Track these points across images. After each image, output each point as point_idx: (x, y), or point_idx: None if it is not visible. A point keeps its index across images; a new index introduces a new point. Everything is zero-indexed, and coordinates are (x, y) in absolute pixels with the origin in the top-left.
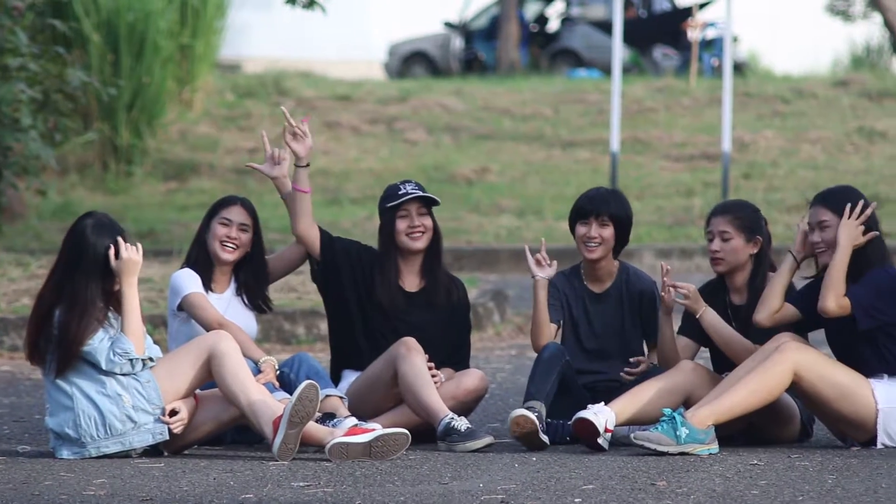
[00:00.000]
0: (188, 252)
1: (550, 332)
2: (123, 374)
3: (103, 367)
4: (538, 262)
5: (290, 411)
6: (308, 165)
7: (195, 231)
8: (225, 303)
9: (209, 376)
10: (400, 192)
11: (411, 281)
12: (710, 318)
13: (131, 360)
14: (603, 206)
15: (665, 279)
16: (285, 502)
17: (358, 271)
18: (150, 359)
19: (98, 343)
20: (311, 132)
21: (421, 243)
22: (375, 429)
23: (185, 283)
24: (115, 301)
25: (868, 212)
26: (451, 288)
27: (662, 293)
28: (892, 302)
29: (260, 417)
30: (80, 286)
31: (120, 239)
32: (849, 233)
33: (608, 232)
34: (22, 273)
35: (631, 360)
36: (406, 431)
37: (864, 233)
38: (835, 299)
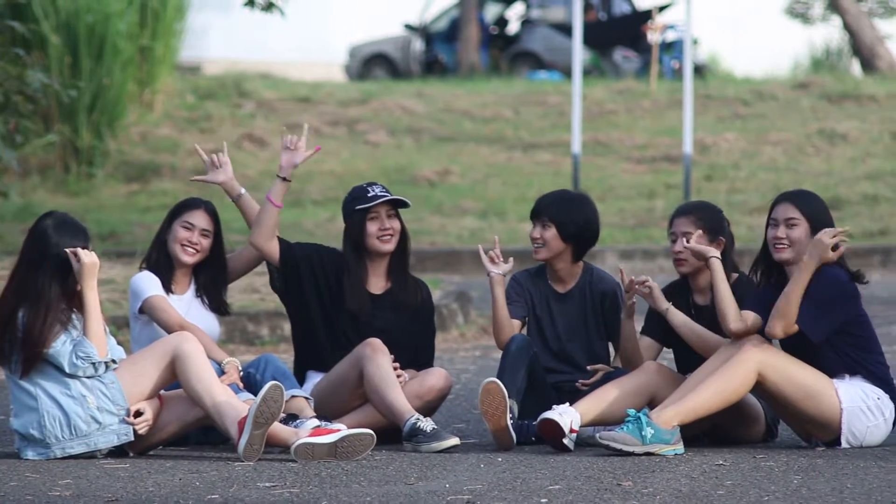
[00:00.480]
0: (147, 253)
1: (513, 329)
2: (87, 377)
3: (67, 370)
4: (491, 260)
5: (255, 412)
6: (287, 180)
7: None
8: (186, 304)
9: (173, 377)
10: (369, 195)
11: (376, 283)
12: (677, 316)
13: (94, 363)
14: (544, 208)
15: (631, 279)
16: (251, 503)
17: (320, 276)
18: (113, 360)
19: (61, 346)
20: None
21: (390, 246)
22: (340, 429)
23: (145, 287)
24: (77, 302)
25: (843, 232)
26: (416, 290)
27: (627, 293)
28: (841, 305)
29: (225, 418)
30: (42, 286)
31: (77, 250)
32: (820, 250)
33: (550, 233)
34: None
35: (588, 367)
36: (371, 432)
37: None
38: (783, 328)
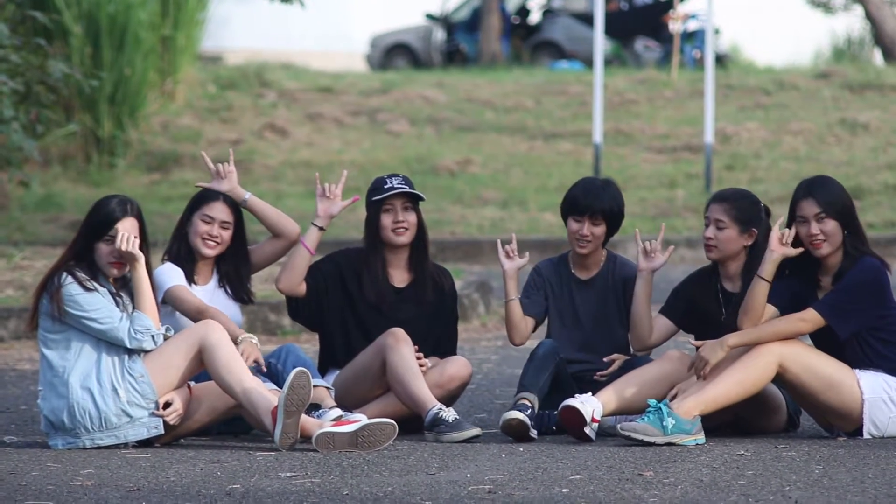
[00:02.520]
0: (169, 245)
1: (526, 326)
2: (146, 351)
3: (128, 345)
4: (507, 255)
5: (285, 401)
6: (323, 229)
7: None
8: (209, 294)
9: (200, 367)
10: (385, 186)
11: (399, 276)
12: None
13: (153, 335)
14: (597, 204)
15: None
16: (272, 493)
17: (344, 289)
18: (169, 328)
19: (119, 322)
20: (336, 194)
21: (405, 238)
22: (360, 419)
23: (166, 278)
24: (121, 283)
25: (792, 233)
26: (439, 280)
27: (640, 244)
28: (872, 300)
29: (258, 408)
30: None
31: (120, 233)
32: (785, 252)
33: (600, 230)
34: (5, 265)
35: (605, 359)
36: (393, 422)
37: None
38: (752, 324)
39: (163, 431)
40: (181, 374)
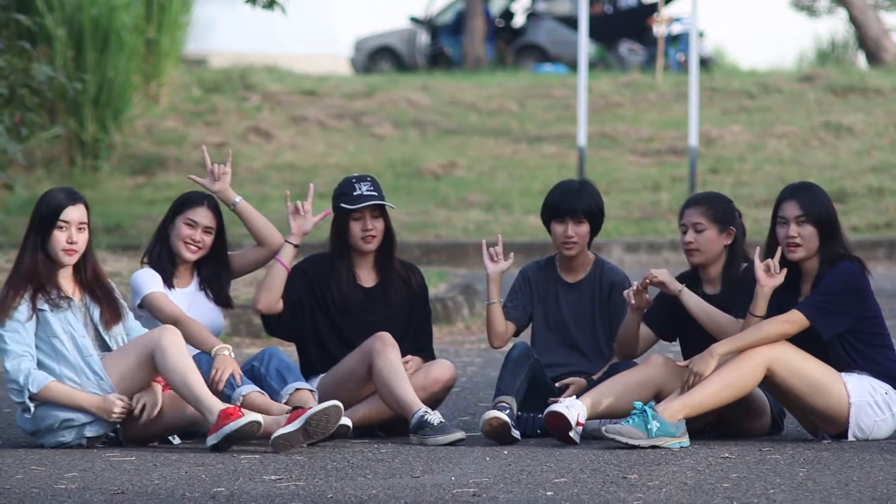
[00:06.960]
0: (149, 248)
1: (506, 330)
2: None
3: (7, 377)
4: (490, 257)
5: (309, 417)
6: (297, 246)
7: None
8: (189, 297)
9: (153, 373)
10: (355, 194)
11: (367, 276)
12: (690, 297)
13: (21, 389)
14: (577, 205)
15: (645, 280)
16: (257, 496)
17: (311, 300)
18: (31, 398)
19: (22, 358)
20: (299, 204)
21: (373, 246)
22: (308, 411)
23: (144, 284)
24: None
25: (778, 253)
26: (408, 277)
27: (630, 293)
28: (853, 301)
29: (202, 405)
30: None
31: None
32: (774, 284)
33: (584, 229)
34: None
35: (557, 384)
36: (338, 403)
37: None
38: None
39: (101, 433)
40: (140, 379)
